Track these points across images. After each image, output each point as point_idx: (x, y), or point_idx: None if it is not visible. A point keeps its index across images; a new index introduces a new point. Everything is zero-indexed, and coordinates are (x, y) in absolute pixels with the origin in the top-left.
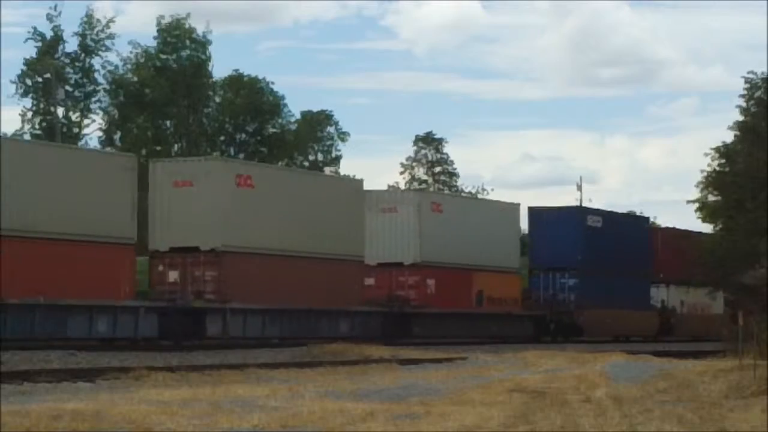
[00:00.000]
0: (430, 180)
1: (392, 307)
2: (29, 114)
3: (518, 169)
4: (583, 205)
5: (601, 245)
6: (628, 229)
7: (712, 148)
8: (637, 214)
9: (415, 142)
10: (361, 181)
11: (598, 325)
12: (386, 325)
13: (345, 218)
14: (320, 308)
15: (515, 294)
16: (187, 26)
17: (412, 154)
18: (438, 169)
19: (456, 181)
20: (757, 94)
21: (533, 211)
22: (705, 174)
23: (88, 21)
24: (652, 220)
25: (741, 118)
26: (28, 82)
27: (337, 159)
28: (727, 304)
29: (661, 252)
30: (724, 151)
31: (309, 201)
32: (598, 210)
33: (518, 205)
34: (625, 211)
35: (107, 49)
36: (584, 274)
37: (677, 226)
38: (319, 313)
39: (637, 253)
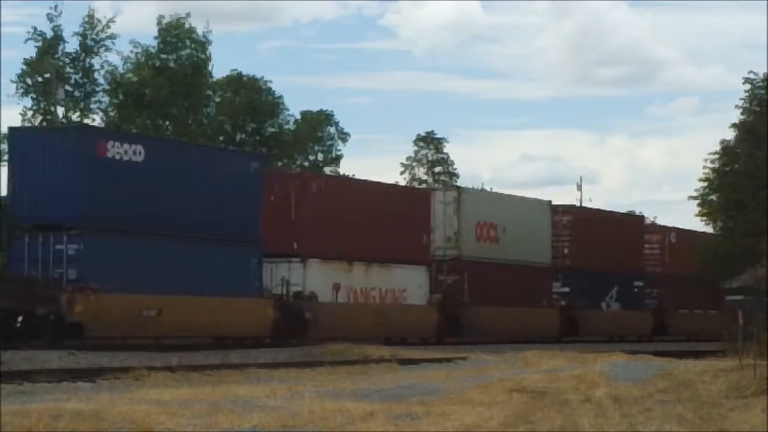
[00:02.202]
0: (430, 180)
1: None
2: (29, 113)
3: (518, 169)
4: (584, 205)
5: (139, 192)
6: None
7: (710, 153)
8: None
9: (416, 142)
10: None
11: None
12: None
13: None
14: None
15: None
16: (187, 26)
17: (412, 154)
18: (438, 168)
19: (456, 182)
20: (759, 93)
21: (15, 133)
22: (706, 172)
23: (89, 21)
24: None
25: (741, 118)
26: (29, 81)
27: (338, 159)
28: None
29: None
30: (725, 151)
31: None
32: (132, 135)
33: None
34: (625, 211)
35: (107, 49)
36: (96, 237)
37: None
38: None
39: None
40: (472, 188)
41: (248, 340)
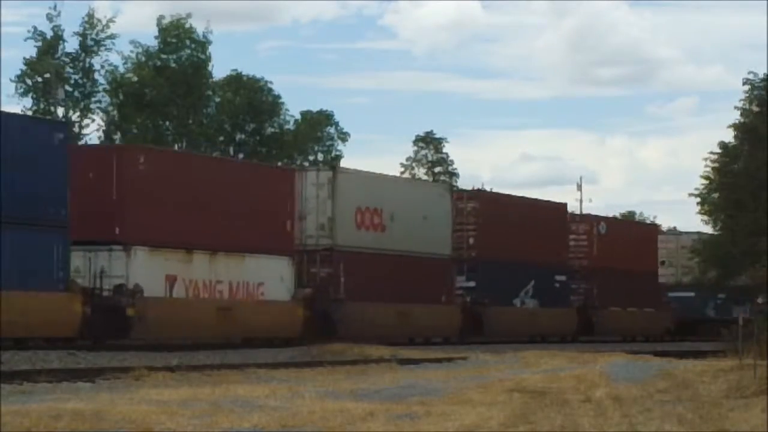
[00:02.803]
0: (430, 180)
1: None
2: (29, 113)
3: (517, 168)
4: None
5: None
6: None
7: (710, 152)
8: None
9: (415, 142)
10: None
11: None
12: None
13: None
14: None
15: None
16: (187, 26)
17: (412, 154)
18: (438, 168)
19: (456, 181)
20: (757, 93)
21: None
22: (707, 171)
23: (89, 21)
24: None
25: (741, 119)
26: (28, 81)
27: (337, 159)
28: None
29: None
30: (725, 151)
31: None
32: None
33: None
34: (624, 212)
35: (107, 48)
36: None
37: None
38: None
39: None
40: (353, 169)
41: (56, 341)
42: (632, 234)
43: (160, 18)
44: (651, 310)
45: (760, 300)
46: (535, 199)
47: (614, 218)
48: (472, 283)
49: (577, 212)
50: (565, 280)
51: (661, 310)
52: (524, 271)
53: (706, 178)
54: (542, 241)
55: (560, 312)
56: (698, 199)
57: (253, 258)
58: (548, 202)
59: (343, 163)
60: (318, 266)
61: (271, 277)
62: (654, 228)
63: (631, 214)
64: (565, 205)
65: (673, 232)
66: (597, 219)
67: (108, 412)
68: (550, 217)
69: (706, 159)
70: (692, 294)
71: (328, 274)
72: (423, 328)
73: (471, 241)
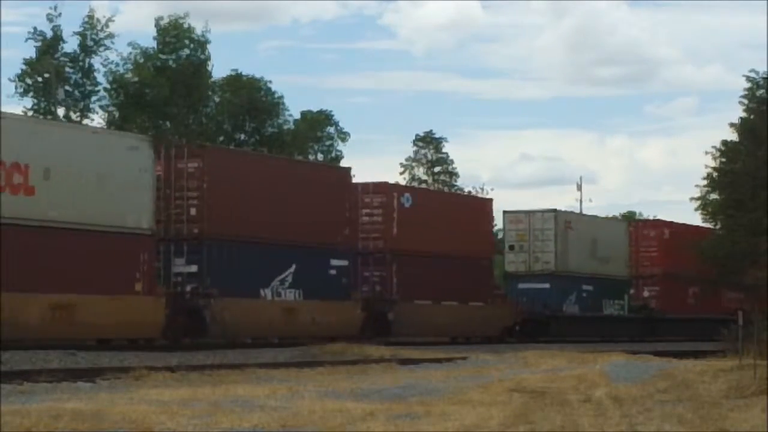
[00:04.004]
0: (430, 180)
1: None
2: (30, 113)
3: (517, 168)
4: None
5: None
6: None
7: (713, 147)
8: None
9: (415, 142)
10: None
11: None
12: None
13: None
14: None
15: None
16: (186, 26)
17: (412, 154)
18: (438, 168)
19: (456, 181)
20: (759, 93)
21: None
22: (706, 172)
23: (89, 21)
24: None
25: (743, 116)
26: (28, 81)
27: (337, 159)
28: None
29: None
30: (725, 150)
31: None
32: None
33: None
34: (625, 212)
35: (107, 48)
36: None
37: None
38: None
39: None
40: None
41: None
42: (452, 209)
43: (159, 18)
44: (479, 304)
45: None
46: (302, 161)
47: (427, 189)
48: (193, 268)
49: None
50: (347, 265)
51: (499, 304)
52: (280, 254)
53: (707, 177)
54: (312, 214)
55: (335, 306)
56: (698, 202)
57: None
58: (322, 163)
59: (344, 163)
60: None
61: None
62: (486, 203)
63: (631, 213)
64: (347, 169)
65: (524, 211)
66: (399, 189)
67: (108, 412)
68: (325, 183)
69: (708, 153)
70: (547, 285)
71: None
72: (91, 326)
73: (193, 212)
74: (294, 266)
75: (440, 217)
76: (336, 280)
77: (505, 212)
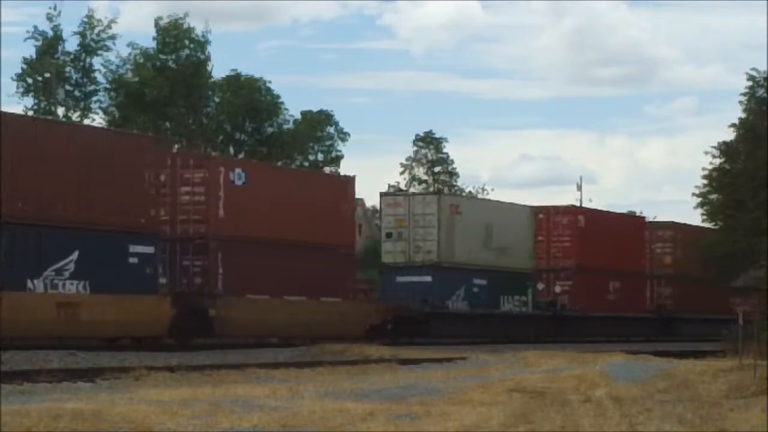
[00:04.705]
0: (430, 180)
1: None
2: (30, 113)
3: (517, 168)
4: (584, 206)
5: None
6: None
7: (713, 146)
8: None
9: (415, 142)
10: None
11: None
12: None
13: None
14: None
15: None
16: (185, 26)
17: (412, 154)
18: (438, 168)
19: (456, 181)
20: (759, 93)
21: None
22: (706, 172)
23: (89, 21)
24: None
25: (743, 115)
26: (29, 81)
27: (337, 159)
28: None
29: None
30: (725, 150)
31: None
32: None
33: None
34: (625, 211)
35: (107, 48)
36: None
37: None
38: None
39: None
40: None
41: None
42: (301, 189)
43: (158, 19)
44: (335, 300)
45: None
46: (91, 126)
47: (267, 163)
48: None
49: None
50: (152, 253)
51: (362, 300)
52: (58, 237)
53: (707, 176)
54: (97, 190)
55: (133, 301)
56: (699, 199)
57: None
58: (120, 131)
59: (343, 163)
60: None
61: None
62: (346, 182)
63: (632, 213)
64: (141, 137)
65: (404, 193)
66: (228, 162)
67: (108, 412)
68: (119, 153)
69: (707, 153)
70: (429, 279)
71: None
72: None
73: None
74: (77, 253)
75: (284, 197)
76: (137, 271)
77: (381, 194)
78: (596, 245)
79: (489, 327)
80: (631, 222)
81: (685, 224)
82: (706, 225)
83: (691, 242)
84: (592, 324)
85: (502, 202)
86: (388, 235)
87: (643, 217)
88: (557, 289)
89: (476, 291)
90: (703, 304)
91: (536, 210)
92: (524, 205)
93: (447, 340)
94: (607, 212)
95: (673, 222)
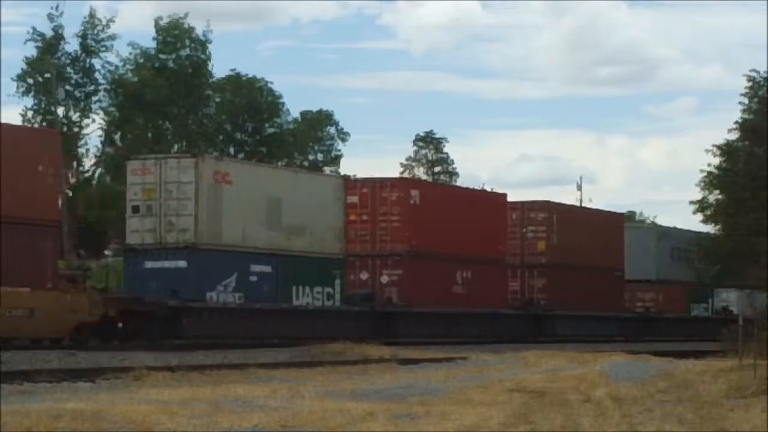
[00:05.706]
0: (430, 180)
1: None
2: (30, 113)
3: (517, 168)
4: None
5: None
6: None
7: (714, 145)
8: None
9: (415, 142)
10: None
11: None
12: None
13: None
14: None
15: None
16: (186, 26)
17: (412, 154)
18: (438, 168)
19: (456, 181)
20: (760, 92)
21: None
22: (705, 173)
23: (89, 21)
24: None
25: (743, 116)
26: (29, 81)
27: (337, 159)
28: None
29: None
30: (726, 149)
31: None
32: None
33: None
34: (624, 211)
35: (107, 49)
36: None
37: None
38: None
39: None
40: None
41: None
42: None
43: (158, 19)
44: (23, 290)
45: None
46: None
47: (20, 127)
48: None
49: None
50: None
51: (68, 291)
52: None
53: (708, 174)
54: None
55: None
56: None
57: None
58: None
59: (343, 163)
60: None
61: None
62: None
63: (632, 214)
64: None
65: (155, 156)
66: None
67: (108, 412)
68: None
69: (708, 151)
70: (183, 264)
71: None
72: None
73: None
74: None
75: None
76: None
77: (127, 160)
78: (437, 226)
79: (274, 325)
80: (487, 199)
81: (560, 204)
82: (705, 228)
83: (571, 227)
84: (429, 321)
85: (296, 170)
86: (135, 209)
87: (504, 194)
88: (384, 279)
89: (255, 280)
90: (586, 299)
91: (353, 182)
92: (330, 175)
93: (207, 341)
94: (455, 187)
95: (548, 201)
